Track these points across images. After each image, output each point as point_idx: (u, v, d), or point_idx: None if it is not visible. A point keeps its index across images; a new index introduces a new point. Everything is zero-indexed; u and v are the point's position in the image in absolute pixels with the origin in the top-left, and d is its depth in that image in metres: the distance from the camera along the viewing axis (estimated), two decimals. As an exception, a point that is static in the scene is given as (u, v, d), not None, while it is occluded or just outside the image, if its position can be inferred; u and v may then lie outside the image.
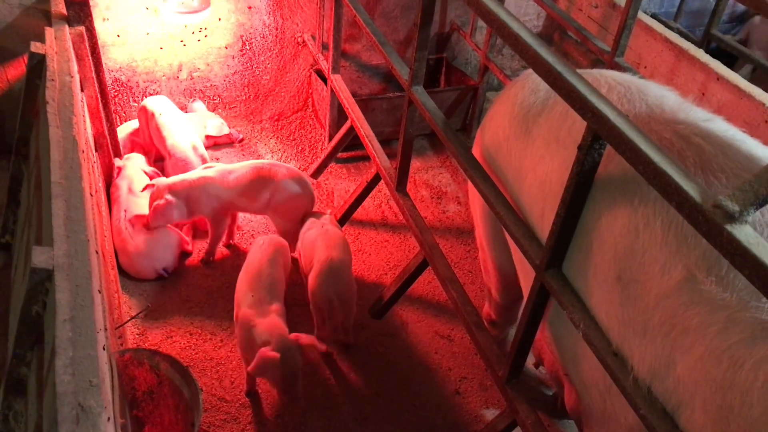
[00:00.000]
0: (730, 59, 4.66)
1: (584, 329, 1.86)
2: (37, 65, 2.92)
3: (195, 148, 3.81)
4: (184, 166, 3.73)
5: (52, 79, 2.77)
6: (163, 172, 3.86)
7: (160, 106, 3.91)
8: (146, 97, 4.29)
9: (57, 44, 3.04)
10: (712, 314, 1.55)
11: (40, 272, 1.93)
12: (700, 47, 3.62)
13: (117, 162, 3.79)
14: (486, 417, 3.02)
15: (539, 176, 2.13)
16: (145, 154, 4.02)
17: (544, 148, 2.14)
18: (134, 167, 3.77)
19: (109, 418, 1.73)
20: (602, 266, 1.84)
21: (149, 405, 2.45)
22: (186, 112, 4.38)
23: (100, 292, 2.18)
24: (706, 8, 5.46)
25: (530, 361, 3.13)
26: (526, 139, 2.25)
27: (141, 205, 3.58)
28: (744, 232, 1.32)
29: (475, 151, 2.62)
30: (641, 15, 3.89)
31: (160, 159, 4.05)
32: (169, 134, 3.80)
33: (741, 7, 5.78)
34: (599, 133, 1.68)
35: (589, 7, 4.42)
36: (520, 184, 2.26)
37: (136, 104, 4.29)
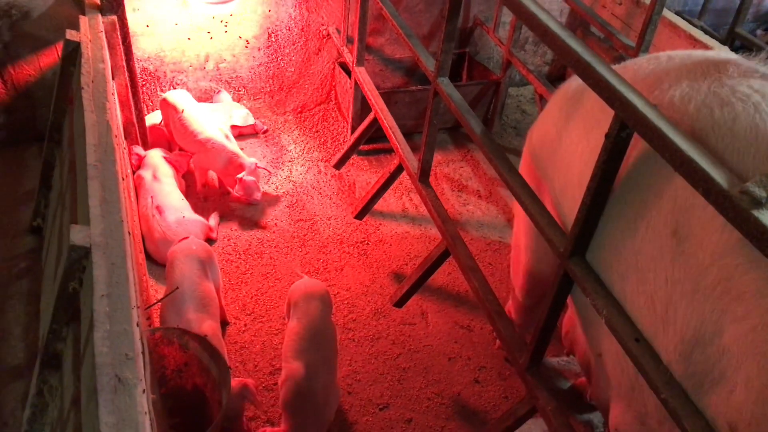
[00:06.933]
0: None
1: (607, 315, 1.89)
2: (72, 52, 2.99)
3: (227, 137, 3.90)
4: (217, 155, 3.82)
5: (87, 66, 2.84)
6: (179, 161, 3.94)
7: (182, 100, 3.94)
8: (173, 87, 4.37)
9: (91, 33, 3.11)
10: None
11: (78, 250, 1.99)
12: (725, 46, 3.62)
13: (137, 150, 3.84)
14: (504, 406, 3.06)
15: (592, 142, 2.07)
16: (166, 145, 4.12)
17: (600, 112, 2.06)
18: (157, 155, 3.85)
19: (143, 391, 1.79)
20: (658, 220, 1.76)
21: (178, 383, 2.51)
22: (212, 102, 4.45)
23: (132, 271, 2.25)
24: (730, 7, 5.44)
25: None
26: (577, 110, 2.20)
27: (166, 192, 3.66)
28: (771, 218, 1.34)
29: (523, 165, 2.62)
30: (666, 12, 3.88)
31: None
32: (201, 128, 3.85)
33: (767, 6, 5.75)
34: (627, 122, 1.71)
35: (612, 4, 4.42)
36: (569, 159, 2.18)
37: (163, 93, 4.36)
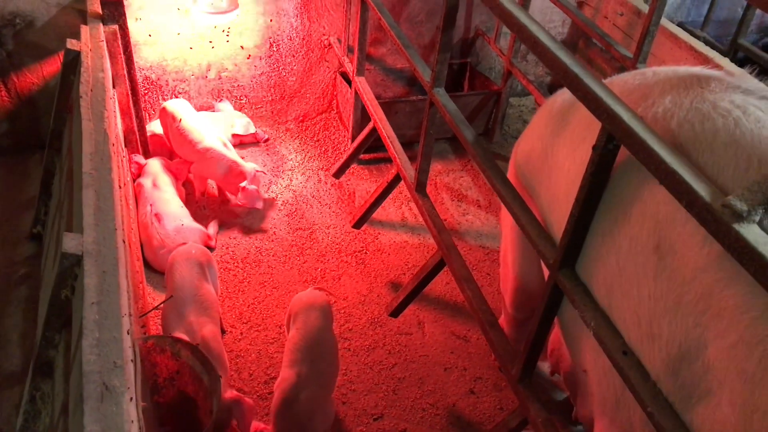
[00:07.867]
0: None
1: (595, 328, 1.88)
2: (72, 61, 3.02)
3: (226, 146, 3.92)
4: (217, 164, 3.83)
5: (86, 75, 2.87)
6: (179, 169, 3.98)
7: (181, 109, 3.96)
8: (175, 95, 4.40)
9: (92, 42, 3.15)
10: (750, 298, 1.45)
11: (70, 257, 2.01)
12: (726, 57, 3.61)
13: (137, 158, 3.87)
14: (499, 417, 3.05)
15: (577, 160, 2.07)
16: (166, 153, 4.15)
17: (585, 129, 2.08)
18: (157, 164, 3.88)
19: (131, 399, 1.80)
20: (641, 236, 1.76)
21: (170, 391, 2.52)
22: (213, 111, 4.48)
23: (125, 279, 2.26)
24: (733, 18, 5.43)
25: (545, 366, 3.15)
26: (564, 128, 2.21)
27: (165, 200, 3.68)
28: (751, 232, 1.34)
29: (510, 173, 2.62)
30: (666, 23, 3.88)
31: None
32: (200, 137, 3.87)
33: (770, 17, 5.74)
34: (613, 134, 1.71)
35: (614, 15, 4.42)
36: (556, 176, 2.19)
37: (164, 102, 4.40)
